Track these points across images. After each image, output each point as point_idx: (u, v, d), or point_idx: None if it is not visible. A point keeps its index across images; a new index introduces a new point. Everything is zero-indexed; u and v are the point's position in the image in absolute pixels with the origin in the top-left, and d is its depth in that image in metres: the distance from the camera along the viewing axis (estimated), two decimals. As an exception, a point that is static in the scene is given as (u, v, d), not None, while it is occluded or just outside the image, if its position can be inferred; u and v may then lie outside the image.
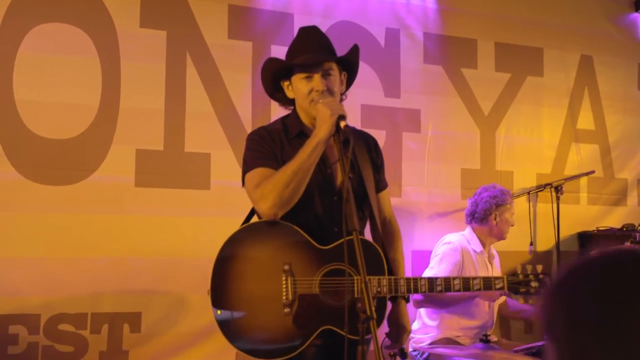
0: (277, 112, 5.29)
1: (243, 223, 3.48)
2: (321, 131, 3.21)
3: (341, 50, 3.56)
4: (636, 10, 7.31)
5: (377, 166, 3.66)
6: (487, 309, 5.37)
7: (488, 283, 3.42)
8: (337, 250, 3.28)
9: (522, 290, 3.45)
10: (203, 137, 5.40)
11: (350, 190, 3.12)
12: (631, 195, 7.18)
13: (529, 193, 6.41)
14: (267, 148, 3.41)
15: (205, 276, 5.15)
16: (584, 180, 6.86)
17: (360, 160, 3.51)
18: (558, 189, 6.39)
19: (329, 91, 3.39)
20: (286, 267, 3.24)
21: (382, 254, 3.42)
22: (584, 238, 6.86)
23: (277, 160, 3.37)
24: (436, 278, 3.43)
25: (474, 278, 3.43)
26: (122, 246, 5.12)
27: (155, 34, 5.31)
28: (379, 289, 3.30)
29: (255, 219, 3.50)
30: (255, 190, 3.27)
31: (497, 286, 3.42)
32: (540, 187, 6.46)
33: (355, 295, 3.14)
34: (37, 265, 4.92)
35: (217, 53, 5.47)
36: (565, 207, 6.45)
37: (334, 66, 3.46)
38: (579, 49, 6.97)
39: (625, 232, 6.52)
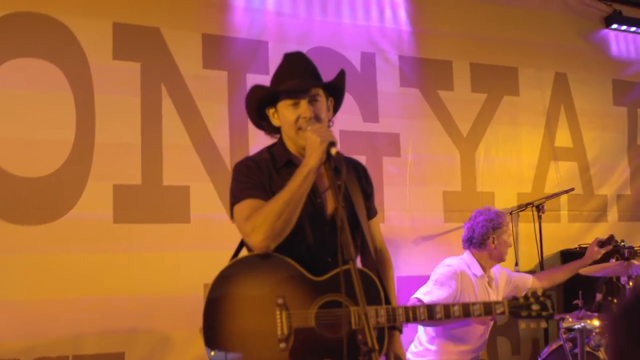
0: (256, 141, 5.37)
1: (232, 256, 3.36)
2: (311, 159, 3.11)
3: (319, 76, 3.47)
4: (607, 27, 7.36)
5: (367, 194, 3.57)
6: (481, 332, 5.29)
7: (489, 308, 3.32)
8: (332, 281, 3.17)
9: (523, 314, 3.34)
10: (181, 169, 5.30)
11: (344, 218, 3.01)
12: (611, 211, 7.19)
13: (511, 213, 6.35)
14: (254, 178, 3.29)
15: (188, 312, 5.07)
16: (564, 198, 6.85)
17: (350, 188, 3.41)
18: (539, 208, 6.35)
19: (316, 118, 3.28)
20: (280, 301, 3.12)
21: (377, 282, 3.31)
22: (567, 256, 6.81)
23: (266, 191, 3.25)
24: (435, 305, 3.31)
25: (474, 304, 3.32)
26: (103, 285, 4.99)
27: (129, 66, 5.21)
28: (377, 319, 3.20)
29: (244, 251, 3.38)
30: (245, 223, 3.15)
31: (498, 311, 3.32)
32: (522, 207, 6.42)
33: (353, 327, 3.06)
34: (15, 308, 4.77)
35: (192, 83, 5.39)
36: (546, 226, 6.41)
37: (321, 92, 3.36)
38: (554, 66, 7.01)
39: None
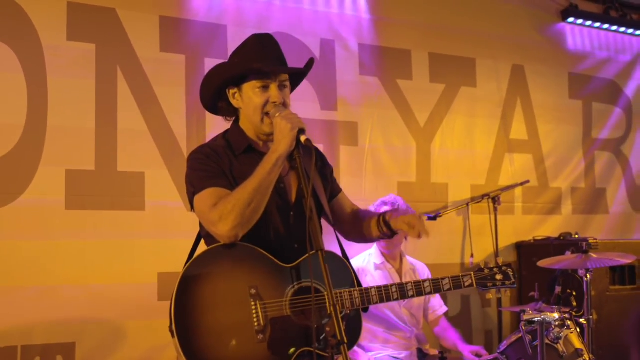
0: (213, 127, 5.31)
1: (192, 250, 3.26)
2: (281, 146, 3.05)
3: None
4: (563, 20, 7.41)
5: (326, 176, 3.52)
6: (406, 315, 5.33)
7: (457, 282, 3.37)
8: (302, 267, 3.15)
9: (489, 284, 3.41)
10: (136, 155, 5.19)
11: (313, 208, 2.95)
12: (565, 204, 7.25)
13: (467, 204, 6.36)
14: (214, 166, 3.19)
15: (142, 301, 5.08)
16: (518, 190, 6.90)
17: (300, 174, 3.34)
18: (495, 200, 6.38)
19: (284, 104, 3.22)
20: (253, 291, 3.05)
21: (348, 264, 3.31)
22: (521, 248, 6.89)
23: (227, 179, 3.16)
24: (407, 283, 3.32)
25: (444, 279, 3.36)
26: (53, 273, 4.86)
27: (84, 47, 5.07)
28: (352, 301, 3.18)
29: (202, 244, 3.28)
30: (212, 212, 3.04)
31: (466, 283, 3.37)
32: (477, 199, 6.43)
33: (328, 312, 2.96)
34: (-39, 296, 4.62)
35: (149, 67, 5.27)
36: (501, 218, 6.46)
37: (288, 78, 3.29)
38: (511, 58, 7.03)
39: (563, 241, 6.54)
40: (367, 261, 5.39)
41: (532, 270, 5.96)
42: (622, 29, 7.78)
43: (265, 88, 3.20)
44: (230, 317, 3.00)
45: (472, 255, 6.32)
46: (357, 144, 6.13)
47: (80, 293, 4.90)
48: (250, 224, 3.04)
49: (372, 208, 5.37)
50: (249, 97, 3.23)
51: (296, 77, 3.40)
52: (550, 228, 7.03)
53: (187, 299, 2.98)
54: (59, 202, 4.90)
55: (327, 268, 2.79)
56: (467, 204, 6.37)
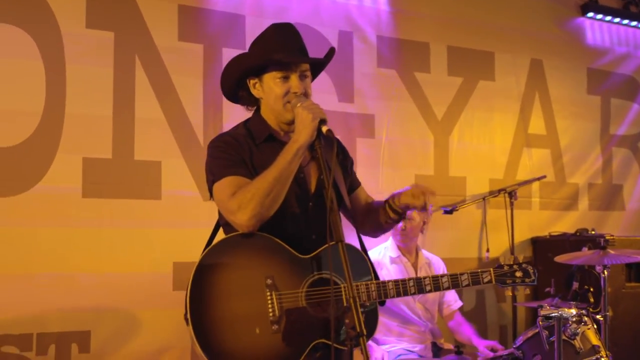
0: (230, 117, 5.31)
1: (210, 238, 3.23)
2: (302, 136, 3.02)
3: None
4: (583, 15, 7.36)
5: (347, 168, 3.50)
6: (421, 310, 5.31)
7: (476, 278, 3.32)
8: (320, 258, 3.12)
9: (508, 281, 3.37)
10: (153, 144, 5.17)
11: (334, 199, 2.93)
12: (582, 200, 7.21)
13: (484, 199, 6.33)
14: (234, 155, 3.16)
15: (157, 290, 5.08)
16: (535, 185, 6.86)
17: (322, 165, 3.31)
18: (512, 195, 6.34)
19: (305, 94, 3.20)
20: (269, 282, 3.02)
21: (366, 257, 3.27)
22: (537, 244, 6.85)
23: (247, 168, 3.14)
24: (424, 278, 3.28)
25: (462, 274, 3.32)
26: (69, 261, 4.85)
27: (103, 35, 5.05)
28: (369, 294, 3.16)
29: (220, 233, 3.26)
30: (231, 200, 3.02)
31: (485, 280, 3.33)
32: (494, 193, 6.39)
33: (344, 305, 2.96)
34: (-23, 283, 4.62)
35: (167, 56, 5.25)
36: (517, 213, 6.40)
37: (309, 68, 3.26)
38: (530, 52, 6.98)
39: (579, 237, 6.50)
40: (382, 254, 5.37)
41: (548, 265, 5.90)
42: (642, 24, 7.70)
43: (286, 78, 3.17)
44: (246, 306, 2.98)
45: (487, 250, 6.28)
46: (374, 137, 6.10)
47: (95, 281, 4.90)
48: (269, 213, 3.01)
49: None
50: (269, 88, 3.20)
51: (316, 66, 3.37)
52: (566, 224, 6.99)
53: (203, 287, 2.96)
54: (76, 190, 4.90)
55: (344, 261, 2.76)
56: (484, 198, 6.33)
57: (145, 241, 5.08)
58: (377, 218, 3.43)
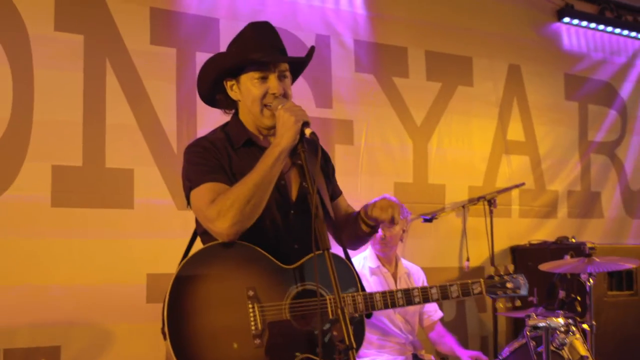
0: (204, 123, 5.21)
1: (187, 248, 3.08)
2: (284, 139, 2.88)
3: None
4: (559, 20, 7.32)
5: (329, 175, 3.38)
6: (401, 321, 5.19)
7: (466, 289, 3.20)
8: (304, 268, 2.99)
9: (499, 292, 3.25)
10: (125, 151, 5.03)
11: (319, 205, 2.80)
12: (561, 207, 7.15)
13: (463, 207, 6.26)
14: (213, 160, 3.02)
15: (130, 303, 4.91)
16: (515, 193, 6.79)
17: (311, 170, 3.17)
18: (491, 202, 6.24)
19: (285, 95, 3.06)
20: (251, 293, 2.88)
21: (352, 267, 3.14)
22: (517, 252, 6.77)
23: (226, 173, 3.00)
24: (413, 289, 3.16)
25: (451, 285, 3.20)
26: (38, 273, 4.70)
27: (72, 38, 4.91)
28: (355, 306, 3.03)
29: (198, 242, 3.11)
30: (210, 208, 2.87)
31: (475, 291, 3.21)
32: (474, 200, 6.32)
33: (330, 317, 2.90)
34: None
35: (139, 60, 5.12)
36: (496, 221, 6.28)
37: (288, 68, 3.12)
38: (508, 58, 6.92)
39: (560, 245, 6.43)
40: (362, 265, 5.23)
41: (528, 274, 5.74)
42: (617, 30, 7.70)
43: (264, 79, 3.03)
44: (226, 319, 2.84)
45: (467, 259, 6.20)
46: (353, 143, 5.99)
47: (66, 294, 4.74)
48: (250, 221, 2.87)
49: None
50: (247, 89, 3.06)
51: (297, 67, 3.24)
52: (545, 232, 6.92)
53: (181, 299, 2.81)
54: (45, 199, 4.75)
55: (330, 271, 2.65)
56: (464, 206, 6.24)
57: (117, 252, 4.92)
58: (353, 229, 3.29)
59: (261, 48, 3.06)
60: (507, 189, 6.47)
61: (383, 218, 3.10)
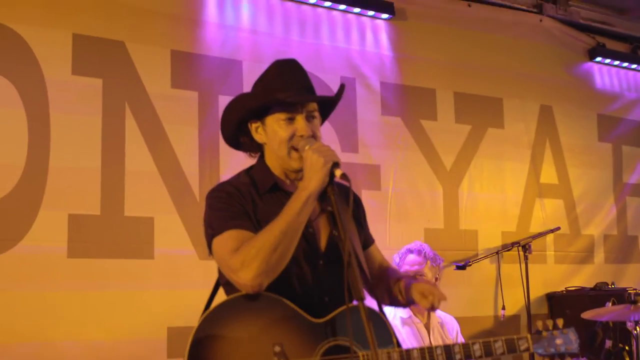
0: (227, 168, 5.04)
1: (209, 300, 2.88)
2: (312, 182, 2.67)
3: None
4: (591, 59, 7.16)
5: (360, 221, 3.16)
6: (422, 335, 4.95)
7: (512, 345, 2.91)
8: (335, 322, 2.75)
9: (548, 349, 2.93)
10: (145, 199, 4.88)
11: (352, 253, 2.58)
12: (598, 252, 6.92)
13: (497, 253, 6.02)
14: (236, 206, 2.82)
15: (150, 359, 4.66)
16: (549, 238, 6.56)
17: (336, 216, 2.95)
18: (526, 248, 6.00)
19: (314, 137, 2.86)
20: (277, 349, 2.65)
21: (386, 321, 2.89)
22: (553, 299, 6.53)
23: (251, 220, 2.79)
24: (454, 345, 2.87)
25: (496, 341, 2.89)
26: (53, 328, 4.51)
27: (90, 82, 4.79)
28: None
29: (220, 293, 2.90)
30: (233, 257, 2.66)
31: (522, 347, 2.92)
32: (508, 247, 6.08)
33: None
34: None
35: (159, 104, 4.99)
36: (531, 267, 6.02)
37: (317, 108, 2.92)
38: (539, 98, 6.76)
39: (599, 291, 6.19)
40: (393, 315, 4.98)
41: (566, 323, 5.57)
42: (650, 69, 7.52)
43: (291, 120, 2.83)
44: None
45: (503, 308, 5.95)
46: (380, 188, 5.81)
47: (82, 351, 4.54)
48: (277, 272, 2.66)
49: (396, 257, 5.02)
50: (273, 131, 2.86)
51: (326, 107, 3.04)
52: (582, 278, 6.69)
53: (203, 355, 2.61)
54: (61, 249, 4.58)
55: (366, 323, 2.45)
56: (498, 252, 6.00)
57: (137, 305, 4.74)
58: (387, 294, 3.11)
59: (288, 87, 2.87)
60: (542, 234, 6.25)
61: (423, 305, 2.93)
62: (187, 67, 5.14)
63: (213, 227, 2.79)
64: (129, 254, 4.78)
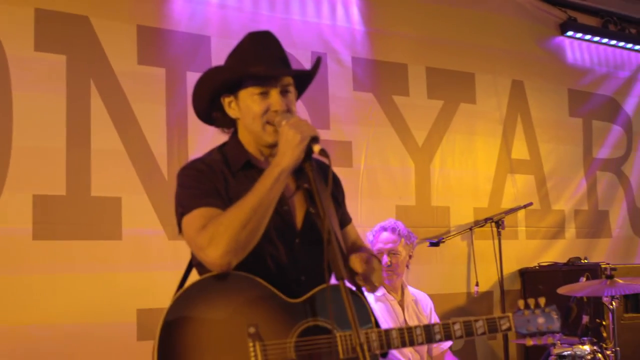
0: (197, 146, 4.94)
1: (181, 281, 2.78)
2: (285, 158, 2.58)
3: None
4: (562, 34, 7.12)
5: (338, 199, 3.09)
6: (410, 351, 4.89)
7: (493, 325, 2.88)
8: (311, 302, 2.69)
9: (529, 328, 2.91)
10: (112, 178, 4.78)
11: (332, 231, 2.53)
12: (569, 227, 6.93)
13: (470, 229, 5.99)
14: (207, 184, 2.73)
15: (120, 342, 4.58)
16: (521, 214, 6.56)
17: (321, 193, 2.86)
18: (499, 224, 5.99)
19: (289, 112, 2.76)
20: (252, 330, 2.56)
21: (365, 301, 2.84)
22: (526, 275, 6.53)
23: (222, 198, 2.70)
24: (434, 325, 2.83)
25: (477, 320, 2.87)
26: (19, 312, 4.41)
27: (54, 58, 4.65)
28: (368, 344, 2.70)
29: (194, 274, 2.80)
30: (201, 234, 2.58)
31: (504, 327, 2.89)
32: (480, 223, 6.06)
33: (341, 356, 2.60)
34: None
35: (125, 81, 4.86)
36: (503, 243, 6.03)
37: (292, 82, 2.82)
38: (510, 73, 6.73)
39: (572, 266, 6.20)
40: (366, 292, 4.93)
41: (547, 301, 5.57)
42: (621, 44, 7.54)
43: (265, 94, 2.73)
44: (224, 359, 2.55)
45: (477, 284, 5.93)
46: (352, 165, 5.74)
47: (49, 334, 4.44)
48: (246, 250, 2.57)
49: (370, 235, 4.97)
50: (246, 106, 2.77)
51: (301, 81, 2.95)
52: (554, 253, 6.71)
53: (174, 339, 2.53)
54: (26, 231, 4.47)
55: (347, 303, 2.40)
56: (471, 229, 5.98)
57: (105, 287, 4.65)
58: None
59: (261, 60, 2.77)
60: (514, 209, 6.26)
61: (357, 269, 2.81)
62: (154, 42, 5.01)
63: (183, 205, 2.71)
64: (96, 235, 4.68)
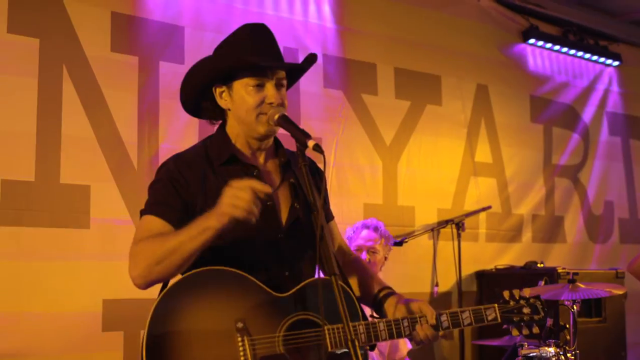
0: (167, 136, 4.92)
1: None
2: (215, 221, 2.51)
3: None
4: (524, 41, 7.24)
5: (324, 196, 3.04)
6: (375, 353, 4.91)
7: (479, 315, 2.89)
8: (298, 297, 2.68)
9: (516, 318, 2.92)
10: (81, 166, 4.67)
11: (324, 225, 2.54)
12: (526, 231, 7.04)
13: (433, 230, 6.03)
14: (171, 190, 2.70)
15: (85, 332, 4.50)
16: (482, 216, 6.63)
17: (305, 187, 2.85)
18: (459, 226, 6.06)
19: (283, 106, 2.76)
20: (240, 325, 2.56)
21: (353, 296, 2.82)
22: (483, 277, 6.59)
23: (177, 210, 2.68)
24: (420, 317, 2.82)
25: (463, 311, 2.88)
26: None
27: (26, 41, 4.53)
28: (356, 337, 2.64)
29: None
30: (133, 246, 2.66)
31: (489, 317, 2.89)
32: (443, 224, 6.12)
33: (330, 349, 2.59)
34: None
35: (98, 67, 4.76)
36: (463, 245, 6.11)
37: (285, 76, 2.82)
38: (475, 77, 6.80)
39: (528, 270, 6.31)
40: None
41: (495, 301, 5.62)
42: (580, 53, 7.69)
43: (260, 87, 2.73)
44: (213, 356, 2.54)
45: (436, 284, 5.99)
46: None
47: (13, 323, 4.33)
48: (159, 280, 2.63)
49: (350, 231, 4.96)
50: (240, 97, 2.75)
51: (292, 76, 2.96)
52: (510, 256, 6.81)
53: (162, 335, 2.52)
54: (-8, 217, 4.33)
55: (339, 298, 2.40)
56: (433, 229, 6.04)
57: (71, 276, 4.55)
58: (359, 289, 3.03)
59: (260, 52, 2.76)
60: (474, 212, 6.32)
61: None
62: (128, 30, 4.92)
63: (145, 204, 2.75)
64: (64, 222, 4.58)
